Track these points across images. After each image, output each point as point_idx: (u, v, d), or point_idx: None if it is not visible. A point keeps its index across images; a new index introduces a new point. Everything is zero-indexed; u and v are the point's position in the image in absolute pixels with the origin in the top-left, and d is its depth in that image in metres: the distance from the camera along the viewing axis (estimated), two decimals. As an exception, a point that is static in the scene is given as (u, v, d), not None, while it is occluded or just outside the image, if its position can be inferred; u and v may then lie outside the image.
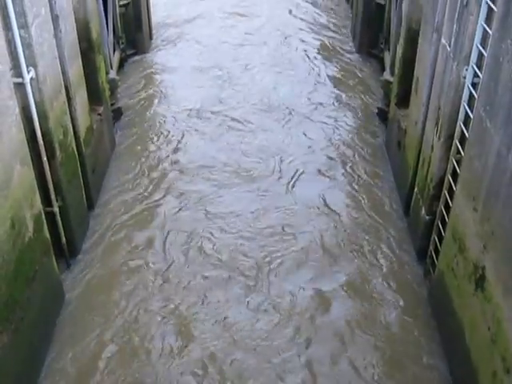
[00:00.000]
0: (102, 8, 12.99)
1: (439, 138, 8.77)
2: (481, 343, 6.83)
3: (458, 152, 8.06)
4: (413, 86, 10.65)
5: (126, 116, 13.90)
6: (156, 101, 14.70)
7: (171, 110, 14.21)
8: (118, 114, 13.61)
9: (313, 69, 16.24)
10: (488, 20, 7.08)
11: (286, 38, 18.15)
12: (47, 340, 8.28)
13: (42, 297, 8.05)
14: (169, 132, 13.34)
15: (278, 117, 13.98)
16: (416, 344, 8.41)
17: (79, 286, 9.27)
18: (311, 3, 20.85)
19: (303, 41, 17.97)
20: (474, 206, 7.13)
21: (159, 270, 9.63)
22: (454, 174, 8.15)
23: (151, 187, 11.53)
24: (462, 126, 7.93)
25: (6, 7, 7.15)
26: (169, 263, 9.76)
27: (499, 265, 6.41)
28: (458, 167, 7.97)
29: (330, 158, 12.41)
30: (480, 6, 7.21)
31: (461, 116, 7.98)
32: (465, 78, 7.81)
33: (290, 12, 20.19)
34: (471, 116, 7.49)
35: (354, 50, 17.16)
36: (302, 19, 19.66)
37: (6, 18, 7.21)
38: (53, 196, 8.82)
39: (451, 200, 8.19)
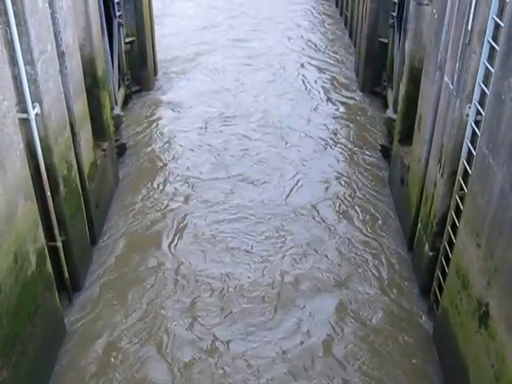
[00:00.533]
0: (107, 45, 13.16)
1: (442, 175, 8.79)
2: (484, 381, 6.74)
3: (461, 188, 8.07)
4: (416, 124, 10.70)
5: (130, 151, 13.97)
6: (160, 137, 14.80)
7: (175, 146, 14.29)
8: (122, 149, 13.68)
9: (315, 106, 16.38)
10: (490, 58, 7.15)
11: (289, 75, 18.35)
12: (48, 374, 8.19)
13: (44, 331, 7.99)
14: (172, 167, 13.39)
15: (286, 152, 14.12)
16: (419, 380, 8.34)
17: (81, 321, 9.21)
18: (314, 46, 21.04)
19: (306, 77, 18.19)
20: (478, 242, 7.11)
21: (163, 309, 9.56)
22: (458, 211, 8.15)
23: (154, 222, 11.53)
24: (465, 162, 7.95)
25: (12, 43, 7.25)
26: (175, 297, 9.72)
27: (503, 301, 6.36)
28: (461, 203, 7.97)
29: (334, 195, 12.42)
30: (482, 44, 7.29)
31: (464, 153, 8.01)
32: (467, 115, 7.87)
33: (293, 50, 20.45)
34: (474, 153, 7.52)
35: (357, 87, 17.30)
36: (305, 55, 19.93)
37: (13, 54, 7.31)
38: (56, 231, 8.82)
39: (454, 236, 8.17)
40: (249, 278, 10.17)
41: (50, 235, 8.69)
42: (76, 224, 9.58)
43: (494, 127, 6.69)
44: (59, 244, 8.95)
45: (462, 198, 8.01)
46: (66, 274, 9.26)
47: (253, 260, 10.60)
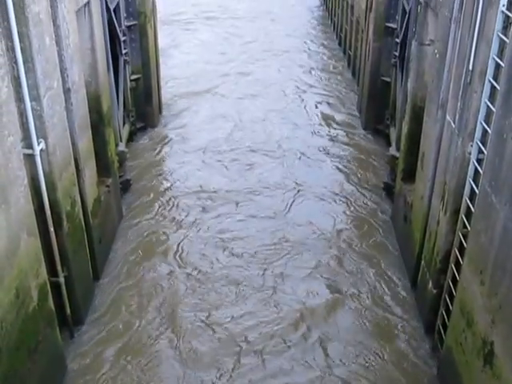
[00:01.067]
0: (113, 82, 13.31)
1: (445, 213, 8.79)
2: (491, 422, 6.66)
3: (465, 226, 8.06)
4: (418, 162, 10.74)
5: (134, 187, 14.01)
6: (164, 173, 14.86)
7: (179, 184, 14.33)
8: (126, 185, 13.73)
9: (318, 143, 16.44)
10: (491, 97, 7.22)
11: (292, 113, 18.46)
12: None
13: (44, 368, 7.92)
14: (176, 205, 13.40)
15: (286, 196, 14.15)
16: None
17: (82, 358, 9.13)
18: (317, 83, 21.22)
19: (309, 114, 18.33)
20: (481, 279, 7.08)
21: (167, 350, 9.46)
22: (461, 248, 8.13)
23: (158, 258, 11.51)
24: (468, 200, 7.96)
25: (19, 80, 7.34)
26: (176, 343, 9.60)
27: (508, 340, 6.30)
28: (465, 241, 7.95)
29: (338, 231, 12.41)
30: (483, 83, 7.36)
31: (466, 191, 8.02)
32: (470, 153, 7.90)
33: (296, 86, 20.58)
34: (477, 191, 7.53)
35: (360, 125, 17.40)
36: (308, 92, 20.09)
37: (19, 90, 7.40)
38: (58, 266, 8.79)
39: (458, 274, 8.14)
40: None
41: (52, 270, 8.68)
42: (79, 259, 9.57)
43: (496, 165, 6.71)
44: (61, 279, 8.92)
45: (465, 236, 7.99)
46: (68, 310, 9.22)
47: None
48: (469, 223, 7.85)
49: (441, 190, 9.12)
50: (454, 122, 8.52)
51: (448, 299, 8.62)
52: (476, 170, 7.72)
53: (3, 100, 6.74)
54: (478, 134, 7.59)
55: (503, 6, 6.78)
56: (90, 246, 10.16)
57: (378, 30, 15.96)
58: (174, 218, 12.87)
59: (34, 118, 7.71)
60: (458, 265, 8.24)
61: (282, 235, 12.32)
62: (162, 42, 18.82)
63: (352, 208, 13.31)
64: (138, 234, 12.28)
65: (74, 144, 9.38)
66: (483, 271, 7.05)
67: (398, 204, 12.25)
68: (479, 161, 7.64)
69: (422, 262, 9.97)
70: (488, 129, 7.23)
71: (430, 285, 9.38)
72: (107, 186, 11.64)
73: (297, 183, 14.34)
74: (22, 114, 7.55)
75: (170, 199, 13.63)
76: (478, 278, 7.22)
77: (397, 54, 15.02)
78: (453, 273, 8.43)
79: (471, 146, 7.84)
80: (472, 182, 7.84)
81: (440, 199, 9.13)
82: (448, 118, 8.89)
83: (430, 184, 9.73)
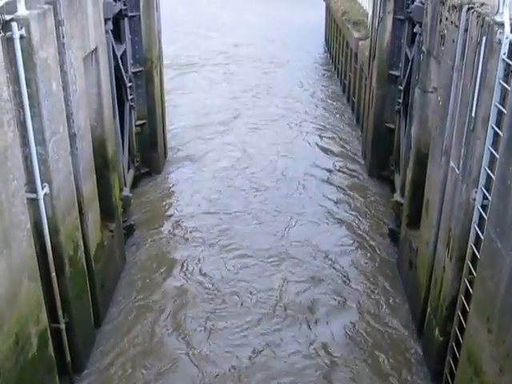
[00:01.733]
0: (118, 127, 13.40)
1: (451, 259, 8.73)
2: None
3: (470, 272, 7.99)
4: (423, 208, 10.71)
5: (137, 233, 13.96)
6: (168, 218, 14.82)
7: (183, 228, 14.29)
8: (129, 230, 13.70)
9: (323, 190, 16.42)
10: (495, 144, 7.23)
11: (297, 163, 18.48)
12: None
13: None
14: (180, 250, 13.34)
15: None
16: None
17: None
18: (320, 131, 21.34)
19: (313, 160, 18.33)
20: (489, 326, 6.98)
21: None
22: (467, 295, 8.04)
23: (160, 304, 11.40)
24: (473, 246, 7.90)
25: (25, 124, 7.40)
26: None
27: (517, 390, 6.19)
28: (471, 287, 7.87)
29: (343, 277, 12.33)
30: (486, 130, 7.39)
31: (472, 237, 7.98)
32: (474, 200, 7.89)
33: (301, 131, 20.68)
34: (482, 237, 7.49)
35: (365, 171, 17.40)
36: (312, 135, 20.16)
37: (25, 134, 7.45)
38: (60, 312, 8.70)
39: (465, 321, 8.03)
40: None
41: (53, 316, 8.58)
42: (80, 305, 9.47)
43: (500, 212, 6.69)
44: (62, 326, 8.82)
45: (471, 282, 7.92)
46: (68, 357, 9.09)
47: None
48: (475, 269, 7.79)
49: (446, 236, 9.08)
50: (458, 169, 8.52)
51: (455, 347, 8.49)
52: (481, 216, 7.69)
53: (9, 144, 6.78)
54: (482, 180, 7.60)
55: (504, 54, 6.86)
56: (91, 292, 10.07)
57: (381, 77, 16.12)
58: (178, 264, 12.77)
59: (38, 162, 7.74)
60: (464, 311, 8.14)
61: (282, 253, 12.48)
62: (167, 84, 19.01)
63: (357, 254, 13.23)
64: (141, 279, 12.20)
65: (78, 188, 9.39)
66: (490, 318, 6.96)
67: (404, 250, 12.18)
68: (484, 207, 7.62)
69: (428, 309, 9.86)
70: (492, 175, 7.24)
71: (437, 332, 9.25)
72: (111, 231, 11.61)
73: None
74: (27, 158, 7.60)
75: (174, 244, 13.58)
76: (485, 325, 7.12)
77: (400, 101, 15.14)
78: (459, 320, 8.33)
79: (475, 192, 7.84)
80: (477, 228, 7.80)
81: (445, 245, 9.07)
82: (452, 164, 8.90)
83: (435, 230, 9.69)
